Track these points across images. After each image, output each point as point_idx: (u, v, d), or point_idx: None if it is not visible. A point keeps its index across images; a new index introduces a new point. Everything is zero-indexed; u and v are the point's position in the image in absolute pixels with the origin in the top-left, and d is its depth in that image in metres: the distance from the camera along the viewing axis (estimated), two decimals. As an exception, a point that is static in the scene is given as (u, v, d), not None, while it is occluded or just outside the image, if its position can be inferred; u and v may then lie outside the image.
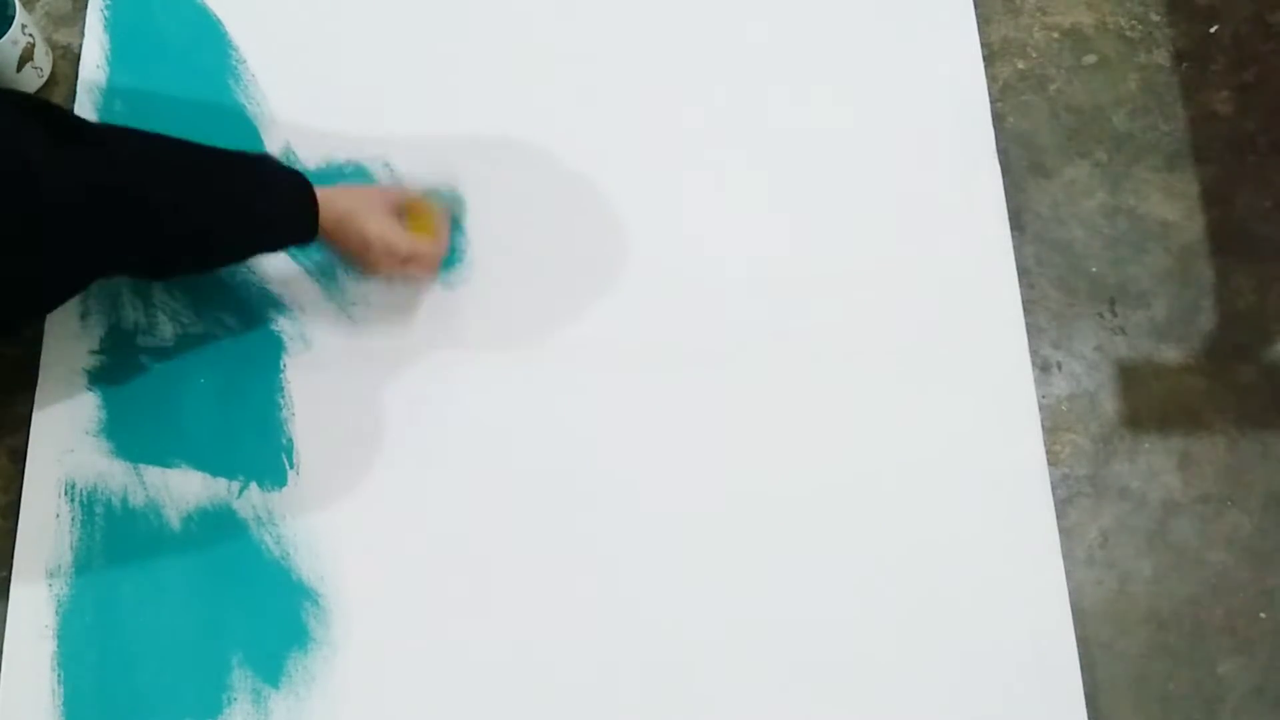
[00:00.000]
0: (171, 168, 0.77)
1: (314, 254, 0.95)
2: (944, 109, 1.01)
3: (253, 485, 0.89)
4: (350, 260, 0.91)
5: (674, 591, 0.87)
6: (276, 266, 0.95)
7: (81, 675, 0.84)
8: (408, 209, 0.91)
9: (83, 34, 1.02)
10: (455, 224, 0.96)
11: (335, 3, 1.04)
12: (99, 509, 0.88)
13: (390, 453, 0.90)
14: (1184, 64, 1.04)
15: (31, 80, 0.99)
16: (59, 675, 0.84)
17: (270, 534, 0.88)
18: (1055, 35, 1.05)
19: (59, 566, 0.87)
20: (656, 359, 0.93)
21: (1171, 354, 0.95)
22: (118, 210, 0.73)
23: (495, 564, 0.88)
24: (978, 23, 1.04)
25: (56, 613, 0.86)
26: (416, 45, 1.03)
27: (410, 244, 0.88)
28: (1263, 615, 0.88)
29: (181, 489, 0.89)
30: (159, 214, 0.75)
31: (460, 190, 0.97)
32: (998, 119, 1.01)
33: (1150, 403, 0.93)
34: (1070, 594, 0.87)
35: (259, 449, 0.90)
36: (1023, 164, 1.00)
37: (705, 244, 0.97)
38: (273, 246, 0.87)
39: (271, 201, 0.83)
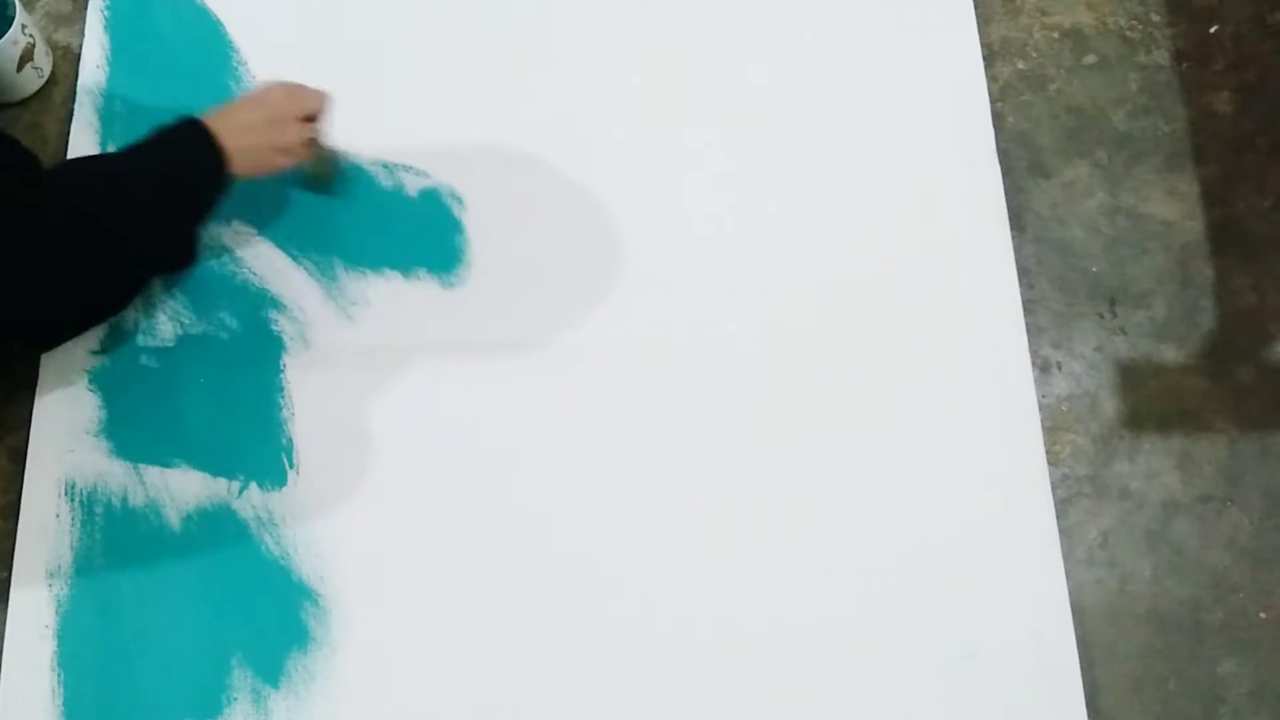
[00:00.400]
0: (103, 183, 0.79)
1: (314, 254, 0.95)
2: (944, 109, 1.01)
3: (253, 485, 0.89)
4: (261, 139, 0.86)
5: (675, 592, 0.87)
6: (276, 266, 0.95)
7: (81, 675, 0.84)
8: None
9: (83, 34, 1.02)
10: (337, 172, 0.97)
11: (335, 4, 1.04)
12: (99, 509, 0.88)
13: (390, 453, 0.90)
14: (1184, 64, 1.04)
15: (31, 80, 0.99)
16: (59, 675, 0.84)
17: (270, 534, 0.88)
18: (1055, 35, 1.05)
19: (59, 566, 0.87)
20: (656, 360, 0.93)
21: (1171, 354, 0.95)
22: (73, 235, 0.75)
23: (495, 564, 0.87)
24: (978, 23, 1.04)
25: (56, 613, 0.86)
26: (416, 47, 1.03)
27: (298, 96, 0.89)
28: (1263, 615, 0.88)
29: (181, 489, 0.89)
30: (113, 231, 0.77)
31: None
32: (998, 119, 1.01)
33: (1150, 403, 0.93)
34: (1070, 594, 0.87)
35: (259, 449, 0.90)
36: (1023, 164, 1.00)
37: (705, 245, 0.97)
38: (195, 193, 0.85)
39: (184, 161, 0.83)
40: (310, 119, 0.89)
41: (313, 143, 0.90)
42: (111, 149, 0.98)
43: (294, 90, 0.89)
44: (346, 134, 0.98)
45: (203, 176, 0.83)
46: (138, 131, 0.97)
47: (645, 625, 0.86)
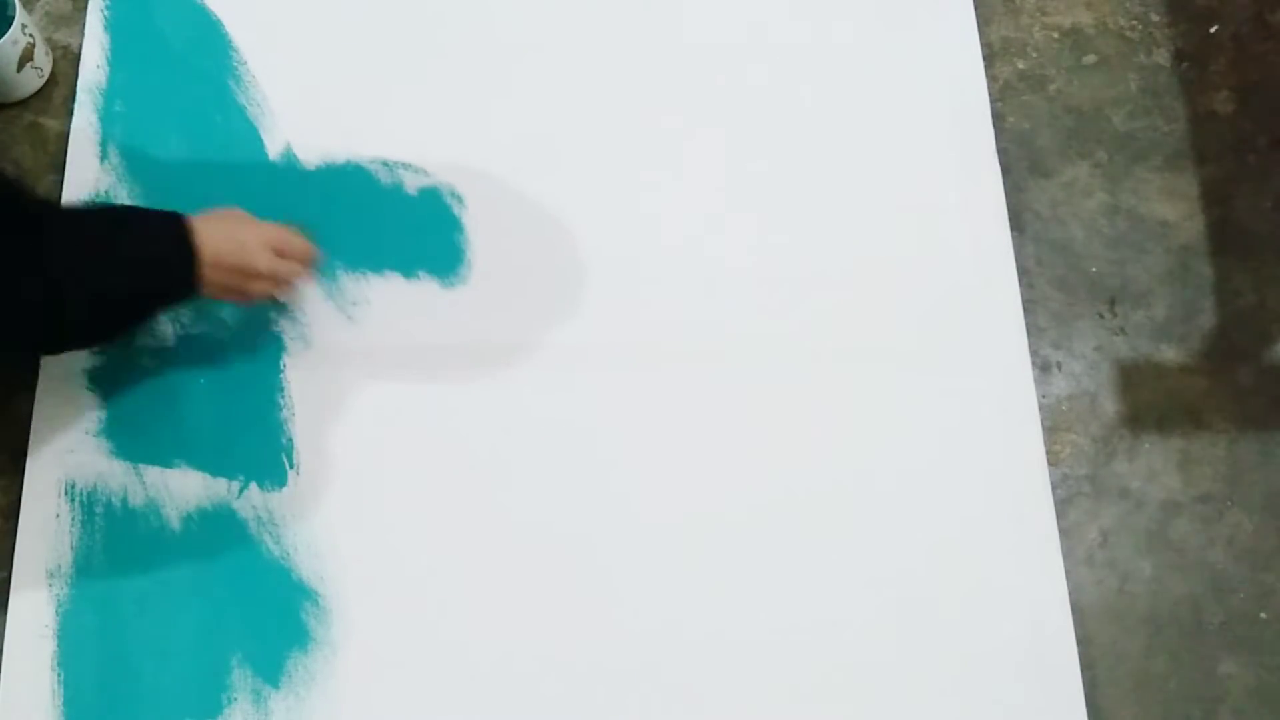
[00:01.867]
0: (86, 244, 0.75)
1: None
2: (944, 109, 1.01)
3: (253, 485, 0.89)
4: (226, 274, 0.81)
5: (674, 592, 0.87)
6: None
7: (81, 675, 0.84)
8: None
9: (83, 34, 1.02)
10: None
11: (335, 3, 1.04)
12: (99, 509, 0.88)
13: (390, 452, 0.90)
14: (1184, 64, 1.04)
15: (31, 80, 0.99)
16: (59, 675, 0.84)
17: (270, 534, 0.88)
18: (1055, 35, 1.05)
19: (59, 566, 0.87)
20: (656, 360, 0.93)
21: (1171, 354, 0.95)
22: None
23: (495, 564, 0.87)
24: (978, 23, 1.04)
25: (56, 613, 0.86)
26: (416, 46, 1.03)
27: (282, 232, 0.85)
28: (1263, 615, 0.88)
29: (181, 489, 0.89)
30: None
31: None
32: (998, 119, 1.01)
33: (1150, 403, 0.93)
34: (1070, 594, 0.87)
35: (259, 449, 0.90)
36: (1023, 164, 1.00)
37: (705, 244, 0.97)
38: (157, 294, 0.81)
39: (149, 244, 0.79)
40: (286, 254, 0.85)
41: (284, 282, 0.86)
42: (112, 149, 0.98)
43: (267, 234, 0.84)
44: (347, 134, 0.99)
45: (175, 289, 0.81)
46: (137, 131, 0.99)
47: (644, 624, 0.86)
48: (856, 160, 0.99)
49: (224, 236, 0.81)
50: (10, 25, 0.93)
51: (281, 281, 0.86)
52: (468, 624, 0.86)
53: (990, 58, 1.03)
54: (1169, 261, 0.97)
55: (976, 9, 1.04)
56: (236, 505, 0.89)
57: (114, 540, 0.88)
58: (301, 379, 0.92)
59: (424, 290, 0.95)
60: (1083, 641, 0.86)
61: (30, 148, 0.99)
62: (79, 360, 0.92)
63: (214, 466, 0.89)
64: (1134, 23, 1.05)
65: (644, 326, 0.94)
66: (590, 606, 0.87)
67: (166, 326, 0.93)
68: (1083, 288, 0.97)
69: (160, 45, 1.02)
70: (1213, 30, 1.05)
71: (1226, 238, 0.98)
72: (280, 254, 0.84)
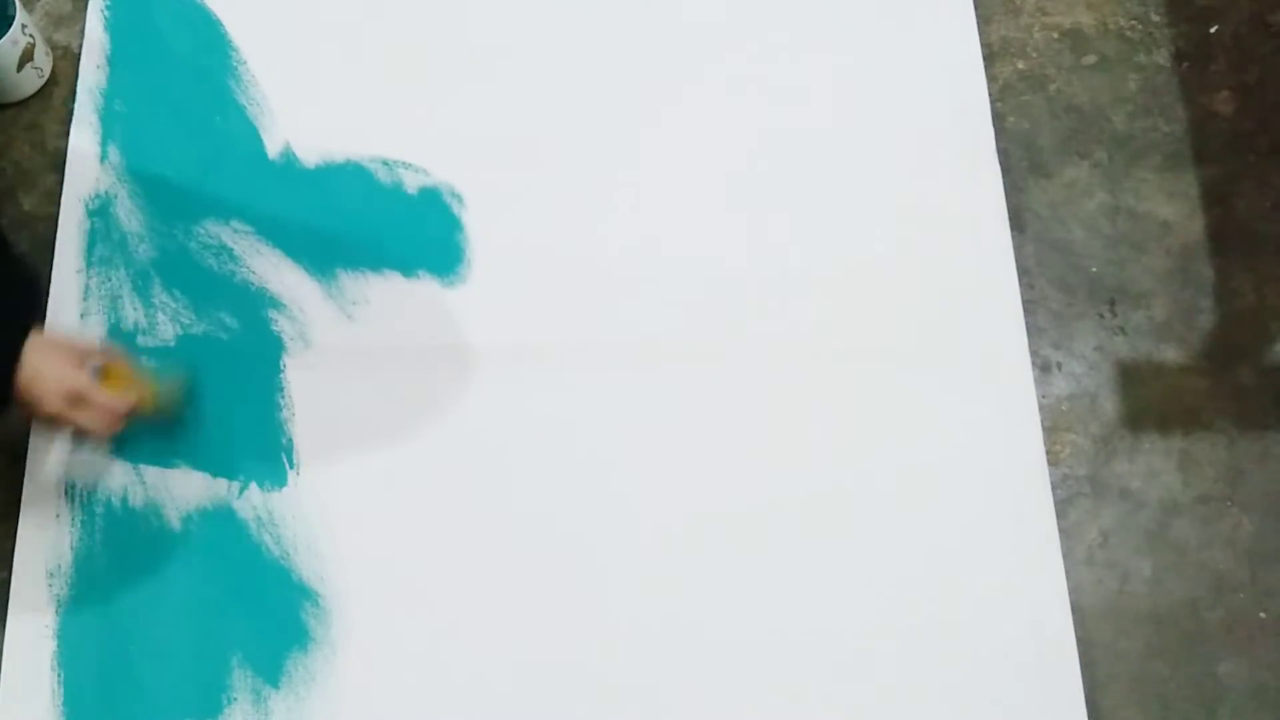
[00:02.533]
0: None
1: (314, 253, 0.95)
2: (944, 109, 1.01)
3: (253, 485, 0.89)
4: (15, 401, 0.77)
5: (673, 592, 0.87)
6: (276, 266, 0.95)
7: (81, 675, 0.84)
8: (105, 369, 0.82)
9: (83, 34, 1.03)
10: (184, 399, 0.89)
11: (335, 3, 1.04)
12: (99, 509, 0.88)
13: (390, 453, 0.90)
14: (1184, 64, 1.04)
15: (31, 80, 0.99)
16: (59, 675, 0.84)
17: (270, 534, 0.88)
18: (1055, 35, 1.05)
19: (59, 566, 0.87)
20: (656, 360, 0.93)
21: (1171, 354, 0.95)
22: None
23: (495, 564, 0.88)
24: (978, 23, 1.04)
25: (56, 613, 0.86)
26: (416, 46, 1.03)
27: (83, 383, 0.78)
28: (1263, 615, 0.88)
29: (181, 489, 0.89)
30: None
31: (189, 377, 0.90)
32: (998, 119, 1.01)
33: (1150, 403, 0.93)
34: (1070, 594, 0.87)
35: (259, 449, 0.90)
36: (1023, 164, 1.00)
37: (705, 244, 0.97)
38: None
39: None
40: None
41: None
42: (112, 149, 0.98)
43: (63, 378, 0.78)
44: (346, 134, 0.99)
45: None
46: (137, 131, 0.99)
47: (645, 624, 0.86)
48: (856, 160, 0.99)
49: (51, 382, 0.76)
50: (10, 25, 0.94)
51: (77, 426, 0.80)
52: (467, 623, 0.86)
53: (990, 58, 1.03)
54: (1169, 261, 0.97)
55: (976, 9, 1.04)
56: (236, 505, 0.89)
57: (114, 540, 0.88)
58: (301, 379, 0.92)
59: (424, 290, 0.95)
60: (1083, 641, 0.86)
61: (30, 148, 0.99)
62: (79, 360, 0.92)
63: (214, 466, 0.89)
64: (1134, 23, 1.05)
65: (644, 326, 0.94)
66: (590, 606, 0.87)
67: (166, 326, 0.93)
68: (1083, 288, 0.97)
69: (160, 45, 1.02)
70: (1213, 30, 1.05)
71: (1226, 238, 0.98)
72: (79, 402, 0.78)
